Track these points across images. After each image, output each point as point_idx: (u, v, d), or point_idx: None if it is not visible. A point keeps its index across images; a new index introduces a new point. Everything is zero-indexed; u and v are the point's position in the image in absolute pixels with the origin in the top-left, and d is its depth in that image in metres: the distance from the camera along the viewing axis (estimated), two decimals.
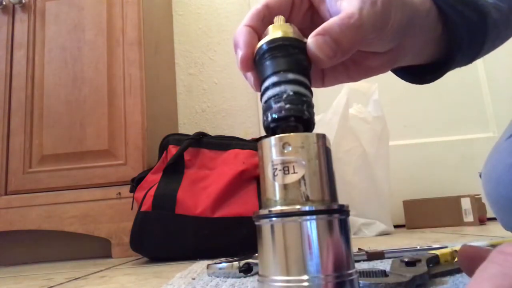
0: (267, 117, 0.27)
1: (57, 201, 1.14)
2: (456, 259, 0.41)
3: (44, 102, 1.21)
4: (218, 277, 0.50)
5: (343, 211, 0.26)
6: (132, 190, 0.98)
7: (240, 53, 0.30)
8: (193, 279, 0.51)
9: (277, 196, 0.26)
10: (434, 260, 0.41)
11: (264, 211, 0.26)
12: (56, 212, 1.13)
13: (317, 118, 1.13)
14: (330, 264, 0.24)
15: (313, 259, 0.24)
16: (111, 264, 0.90)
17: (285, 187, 0.25)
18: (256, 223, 0.27)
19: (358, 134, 1.19)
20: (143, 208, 0.88)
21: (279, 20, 0.30)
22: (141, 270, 0.73)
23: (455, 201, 1.27)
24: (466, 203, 1.24)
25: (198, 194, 0.90)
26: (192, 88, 1.62)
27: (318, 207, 0.25)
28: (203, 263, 0.66)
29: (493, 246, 0.42)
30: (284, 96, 0.26)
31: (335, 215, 0.25)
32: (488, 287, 0.16)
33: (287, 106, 0.26)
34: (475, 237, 0.83)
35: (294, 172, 0.25)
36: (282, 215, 0.25)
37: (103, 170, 1.15)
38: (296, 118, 0.26)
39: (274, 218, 0.25)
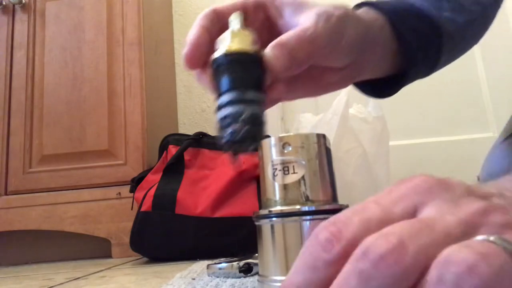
0: (223, 137, 0.27)
1: (57, 201, 1.14)
2: None
3: (44, 102, 1.21)
4: (218, 277, 0.50)
5: (340, 210, 0.26)
6: (132, 190, 0.98)
7: (184, 50, 0.30)
8: (193, 279, 0.51)
9: (277, 196, 0.26)
10: None
11: (264, 211, 0.26)
12: (56, 212, 1.13)
13: (317, 118, 1.14)
14: None
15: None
16: (111, 264, 0.90)
17: (285, 187, 0.25)
18: (256, 223, 0.27)
19: (358, 134, 1.19)
20: (143, 208, 0.88)
21: (237, 21, 0.29)
22: (141, 270, 0.73)
23: None
24: None
25: (198, 194, 0.90)
26: (192, 88, 1.62)
27: (318, 207, 0.25)
28: (203, 263, 0.66)
29: None
30: (241, 118, 0.26)
31: (327, 215, 0.25)
32: None
33: (244, 130, 0.26)
34: None
35: (294, 172, 0.25)
36: (282, 215, 0.25)
37: (103, 170, 1.15)
38: (251, 141, 0.26)
39: (274, 218, 0.25)
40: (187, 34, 0.31)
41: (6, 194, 1.17)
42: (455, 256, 0.13)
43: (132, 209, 0.97)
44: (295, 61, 0.28)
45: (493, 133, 1.47)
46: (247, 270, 0.49)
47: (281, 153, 0.26)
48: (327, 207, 0.25)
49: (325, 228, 0.17)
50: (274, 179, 0.26)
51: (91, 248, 1.18)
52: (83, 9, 1.26)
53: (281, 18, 0.33)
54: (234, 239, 0.84)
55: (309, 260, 0.16)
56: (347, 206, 0.26)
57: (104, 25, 1.24)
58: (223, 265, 0.51)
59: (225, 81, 0.27)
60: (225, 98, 0.27)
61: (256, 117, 0.26)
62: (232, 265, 0.50)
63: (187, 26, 1.68)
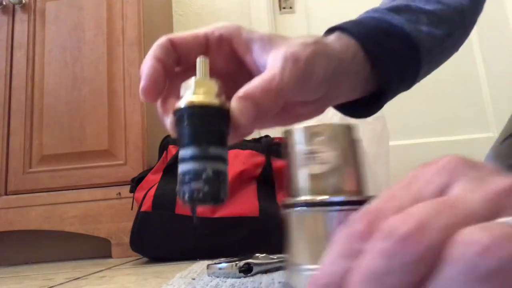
0: (183, 193, 0.26)
1: (57, 201, 1.14)
2: None
3: (44, 102, 1.21)
4: (218, 277, 0.50)
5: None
6: (132, 190, 0.98)
7: (141, 84, 0.30)
8: (193, 279, 0.51)
9: (306, 186, 0.26)
10: None
11: (293, 200, 0.26)
12: (56, 212, 1.13)
13: (317, 117, 1.13)
14: None
15: None
16: (111, 264, 0.90)
17: (314, 176, 0.25)
18: (285, 212, 0.27)
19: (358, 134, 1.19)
20: (143, 208, 0.88)
21: (202, 69, 0.28)
22: (141, 270, 0.73)
23: None
24: None
25: None
26: None
27: (347, 197, 0.25)
28: (203, 263, 0.66)
29: None
30: (204, 176, 0.25)
31: (364, 206, 0.25)
32: None
33: (205, 189, 0.25)
34: None
35: (324, 162, 0.25)
36: (311, 204, 0.25)
37: (103, 170, 1.15)
38: (211, 200, 0.26)
39: (304, 208, 0.25)
40: (142, 65, 0.31)
41: (6, 194, 1.17)
42: (471, 236, 0.13)
43: (132, 209, 0.97)
44: (261, 112, 0.27)
45: (493, 133, 1.47)
46: (247, 270, 0.49)
47: (311, 142, 0.26)
48: (356, 198, 0.25)
49: (361, 217, 0.17)
50: (303, 168, 0.26)
51: (91, 248, 1.18)
52: (83, 9, 1.26)
53: (248, 54, 0.32)
54: (234, 239, 0.84)
55: (346, 250, 0.16)
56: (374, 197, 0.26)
57: (104, 25, 1.24)
58: (223, 265, 0.51)
59: (188, 134, 0.26)
60: (187, 152, 0.26)
61: (218, 174, 0.26)
62: (232, 265, 0.50)
63: (187, 26, 1.68)
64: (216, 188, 0.25)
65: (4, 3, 1.27)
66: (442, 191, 0.17)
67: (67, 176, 1.16)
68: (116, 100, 1.19)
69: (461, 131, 1.52)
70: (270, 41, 0.31)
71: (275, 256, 0.53)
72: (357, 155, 0.26)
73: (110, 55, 1.22)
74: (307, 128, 0.26)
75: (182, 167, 0.26)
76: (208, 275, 0.52)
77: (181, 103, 0.26)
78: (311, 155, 0.26)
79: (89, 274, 0.72)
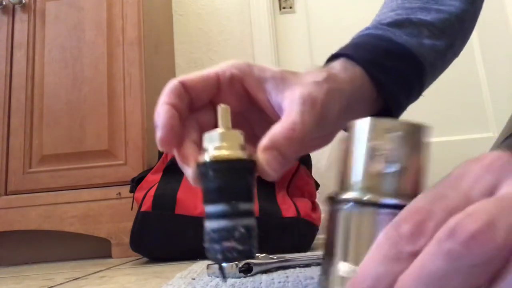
0: (215, 252, 0.25)
1: (57, 201, 1.14)
2: None
3: (44, 102, 1.21)
4: (218, 277, 0.50)
5: None
6: (132, 190, 0.98)
7: (159, 134, 0.29)
8: (193, 279, 0.51)
9: (368, 183, 0.24)
10: None
11: (344, 196, 0.25)
12: (56, 212, 1.13)
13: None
14: None
15: None
16: (111, 264, 0.90)
17: (379, 175, 0.24)
18: (332, 207, 0.26)
19: None
20: (143, 208, 0.88)
21: (223, 117, 0.26)
22: (141, 270, 0.73)
23: None
24: None
25: (198, 194, 0.90)
26: None
27: (403, 201, 0.24)
28: (203, 263, 0.66)
29: None
30: (236, 234, 0.24)
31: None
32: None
33: (239, 247, 0.24)
34: None
35: (393, 161, 0.24)
36: (363, 203, 0.24)
37: (103, 170, 1.15)
38: (243, 258, 0.25)
39: (353, 205, 0.24)
40: (155, 111, 0.30)
41: (6, 194, 1.17)
42: None
43: (132, 209, 0.97)
44: (286, 162, 0.27)
45: (493, 133, 1.47)
46: (247, 270, 0.49)
47: (382, 138, 0.24)
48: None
49: (406, 219, 0.16)
50: (369, 164, 0.24)
51: (91, 248, 1.18)
52: (83, 9, 1.26)
53: (261, 93, 0.31)
54: None
55: (391, 252, 0.16)
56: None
57: (104, 25, 1.24)
58: (223, 265, 0.51)
59: (215, 190, 0.25)
60: (216, 208, 0.25)
61: (250, 230, 0.25)
62: (232, 265, 0.50)
63: (187, 26, 1.68)
64: (248, 245, 0.25)
65: (4, 3, 1.27)
66: (491, 190, 0.16)
67: (67, 176, 1.16)
68: (116, 100, 1.19)
69: (461, 131, 1.52)
70: (282, 79, 0.30)
71: (275, 256, 0.53)
72: (424, 158, 0.25)
73: (110, 55, 1.22)
74: (377, 122, 0.24)
75: (211, 224, 0.25)
76: (208, 275, 0.52)
77: (206, 157, 0.25)
78: (380, 151, 0.24)
79: (89, 274, 0.72)
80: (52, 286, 0.60)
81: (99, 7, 1.25)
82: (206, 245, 0.25)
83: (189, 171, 0.28)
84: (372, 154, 0.24)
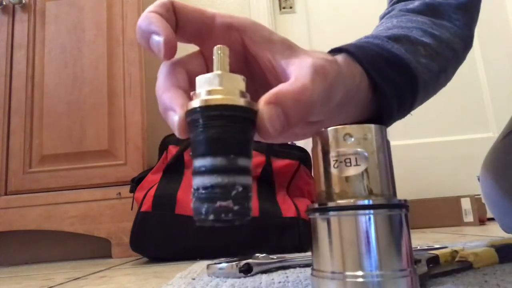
0: (206, 213, 0.21)
1: (57, 201, 1.14)
2: (456, 259, 0.41)
3: (44, 102, 1.21)
4: (218, 277, 0.50)
5: (405, 206, 0.25)
6: (132, 190, 0.98)
7: (160, 37, 0.25)
8: (193, 279, 0.51)
9: (338, 189, 0.25)
10: (434, 260, 0.41)
11: (321, 204, 0.25)
12: (56, 212, 1.13)
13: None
14: (388, 260, 0.24)
15: (370, 255, 0.23)
16: (111, 264, 0.90)
17: (346, 179, 0.24)
18: (312, 216, 0.26)
19: None
20: (143, 208, 0.88)
21: (220, 59, 0.23)
22: (141, 270, 0.73)
23: (455, 201, 1.27)
24: (466, 203, 1.24)
25: None
26: None
27: (381, 201, 0.24)
28: (203, 263, 0.66)
29: (493, 246, 0.42)
30: (233, 192, 0.21)
31: (396, 210, 0.25)
32: None
33: (236, 208, 0.21)
34: (475, 237, 0.83)
35: (357, 164, 0.24)
36: (341, 208, 0.24)
37: (103, 170, 1.15)
38: (238, 221, 0.22)
39: (333, 212, 0.24)
40: (140, 19, 0.26)
41: (6, 194, 1.17)
42: None
43: (132, 209, 0.97)
44: (288, 124, 0.24)
45: (493, 133, 1.47)
46: (247, 270, 0.49)
47: (343, 144, 0.25)
48: (389, 201, 0.24)
49: None
50: (334, 171, 0.25)
51: (91, 248, 1.18)
52: (83, 9, 1.26)
53: (266, 51, 0.28)
54: (234, 239, 0.84)
55: None
56: (406, 201, 0.26)
57: (104, 25, 1.24)
58: (223, 265, 0.50)
59: (210, 141, 0.21)
60: (211, 162, 0.21)
61: (247, 191, 0.22)
62: (232, 265, 0.50)
63: None
64: (246, 206, 0.22)
65: (4, 3, 1.27)
66: None
67: (67, 176, 1.16)
68: (116, 100, 1.19)
69: (461, 131, 1.52)
70: (290, 47, 0.28)
71: (275, 256, 0.53)
72: (389, 157, 0.26)
73: (110, 55, 1.22)
74: (340, 129, 0.25)
75: (202, 181, 0.22)
76: (208, 275, 0.52)
77: (200, 102, 0.22)
78: (344, 157, 0.25)
79: (89, 274, 0.72)
80: (52, 286, 0.60)
81: (99, 7, 1.25)
82: (194, 205, 0.22)
83: (175, 118, 0.23)
84: (338, 160, 0.25)
